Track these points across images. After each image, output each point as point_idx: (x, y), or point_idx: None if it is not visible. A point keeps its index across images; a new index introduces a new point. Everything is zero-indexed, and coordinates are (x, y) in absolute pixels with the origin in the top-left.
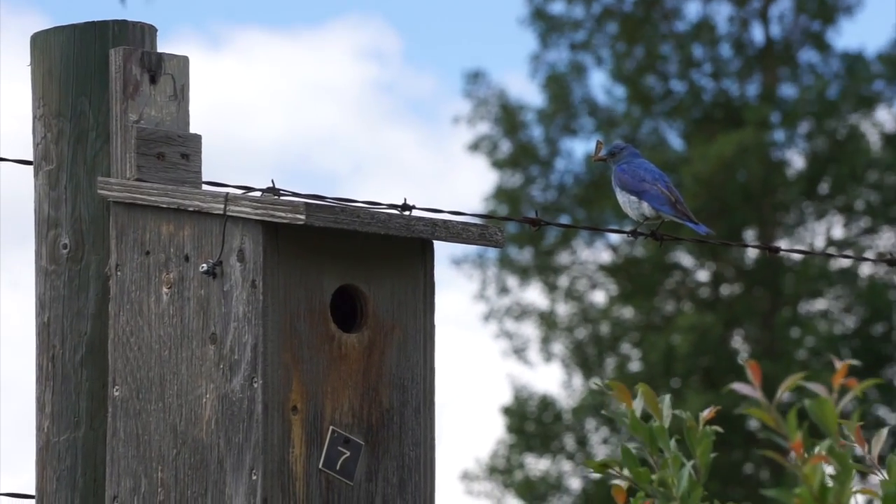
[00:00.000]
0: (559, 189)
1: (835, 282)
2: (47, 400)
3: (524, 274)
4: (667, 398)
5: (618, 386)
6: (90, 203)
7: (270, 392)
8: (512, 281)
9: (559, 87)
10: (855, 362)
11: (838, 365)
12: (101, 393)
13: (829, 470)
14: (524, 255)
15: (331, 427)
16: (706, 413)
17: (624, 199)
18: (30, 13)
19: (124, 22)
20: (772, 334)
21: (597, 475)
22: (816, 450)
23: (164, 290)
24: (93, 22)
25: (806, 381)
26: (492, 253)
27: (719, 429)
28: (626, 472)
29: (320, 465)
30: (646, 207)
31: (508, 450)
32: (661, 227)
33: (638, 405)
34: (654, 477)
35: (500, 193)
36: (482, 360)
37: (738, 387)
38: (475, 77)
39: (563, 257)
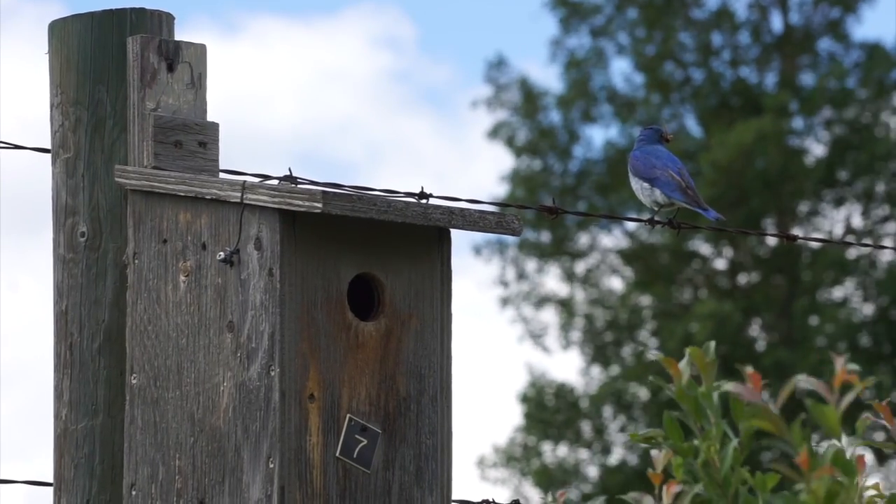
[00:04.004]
0: (578, 176)
1: (853, 269)
2: (65, 388)
3: (542, 255)
4: (711, 345)
5: (664, 358)
6: (108, 191)
7: (287, 380)
8: (530, 266)
9: (579, 72)
10: (854, 367)
11: (838, 364)
12: (119, 381)
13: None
14: (543, 238)
15: (348, 415)
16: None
17: (637, 186)
18: (48, 1)
19: (142, 10)
20: (790, 322)
21: (613, 462)
22: (820, 451)
23: (182, 278)
24: (110, 10)
25: (807, 379)
26: (511, 238)
27: (767, 404)
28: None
29: (337, 454)
30: (658, 194)
31: (525, 437)
32: (678, 215)
33: (686, 369)
34: (696, 443)
35: (518, 179)
36: (500, 347)
37: (735, 388)
38: (498, 64)
39: (582, 242)
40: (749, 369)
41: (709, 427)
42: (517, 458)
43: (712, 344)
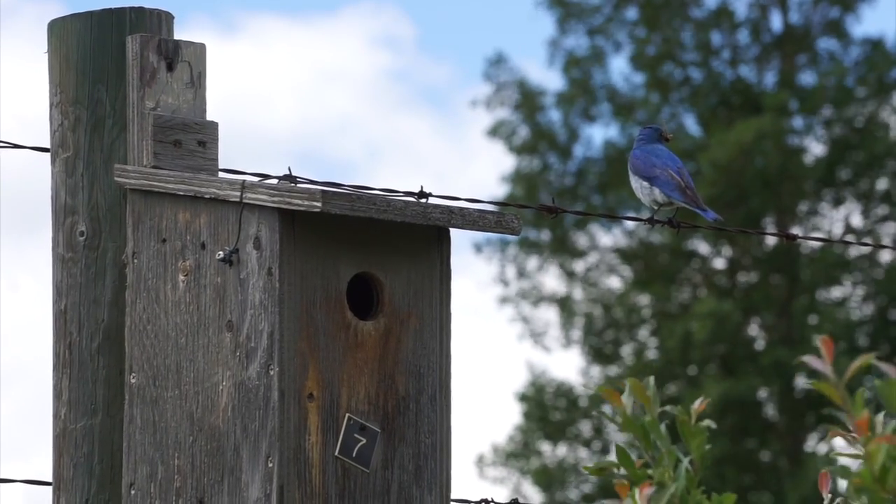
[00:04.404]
0: (577, 175)
1: (852, 269)
2: (64, 387)
3: (541, 253)
4: (651, 380)
5: (605, 389)
6: (107, 190)
7: (287, 379)
8: (531, 264)
9: (579, 71)
10: None
11: None
12: (118, 380)
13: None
14: (543, 237)
15: (347, 414)
16: (697, 405)
17: (636, 185)
18: (47, 0)
19: (141, 9)
20: (789, 322)
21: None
22: (881, 430)
23: (181, 277)
24: (110, 9)
25: (877, 362)
26: (512, 236)
27: (712, 423)
28: (622, 471)
29: (336, 453)
30: (657, 193)
31: (524, 436)
32: (678, 215)
33: (628, 401)
34: (650, 472)
35: (518, 178)
36: (500, 346)
37: (808, 360)
38: (497, 62)
39: (581, 241)
40: (823, 337)
41: (659, 454)
42: (516, 456)
43: (651, 379)
